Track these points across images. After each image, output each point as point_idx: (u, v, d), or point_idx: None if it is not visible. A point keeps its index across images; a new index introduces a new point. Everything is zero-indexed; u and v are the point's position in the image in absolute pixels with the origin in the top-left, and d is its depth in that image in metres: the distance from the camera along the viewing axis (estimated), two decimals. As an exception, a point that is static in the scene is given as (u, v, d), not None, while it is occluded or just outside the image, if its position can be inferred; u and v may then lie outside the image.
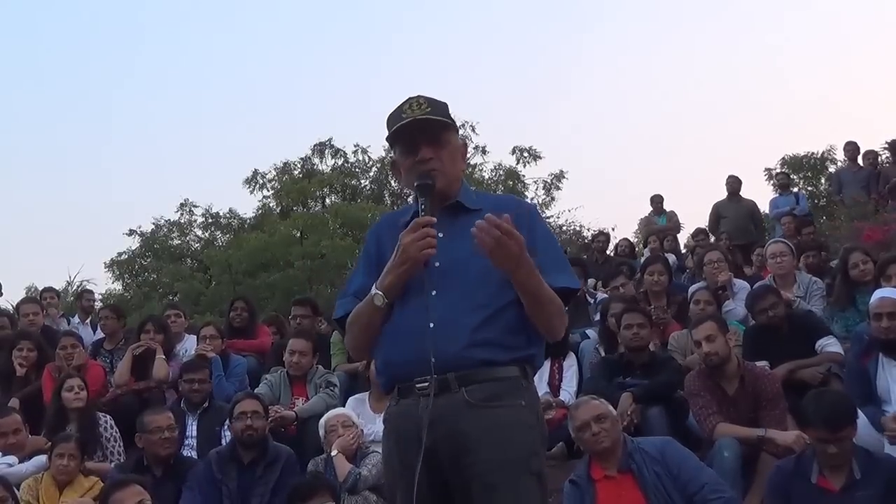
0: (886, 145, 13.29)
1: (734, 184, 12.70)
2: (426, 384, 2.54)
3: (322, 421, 5.47)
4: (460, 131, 2.92)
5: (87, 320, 10.04)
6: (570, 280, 2.69)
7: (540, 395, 5.87)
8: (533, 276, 2.53)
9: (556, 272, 2.63)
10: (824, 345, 5.77)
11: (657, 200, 13.73)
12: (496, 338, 2.57)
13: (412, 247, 2.56)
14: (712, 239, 12.08)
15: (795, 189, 16.78)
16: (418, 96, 2.74)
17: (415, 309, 2.61)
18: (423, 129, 2.70)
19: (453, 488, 2.55)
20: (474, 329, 2.56)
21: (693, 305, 6.69)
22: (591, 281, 8.90)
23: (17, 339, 7.13)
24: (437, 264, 2.61)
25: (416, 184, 2.67)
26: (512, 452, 2.50)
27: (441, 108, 2.74)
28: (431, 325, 2.56)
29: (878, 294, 5.29)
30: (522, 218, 2.63)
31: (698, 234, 12.71)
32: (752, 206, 12.80)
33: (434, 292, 2.60)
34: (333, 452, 5.15)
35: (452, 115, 2.80)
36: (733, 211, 12.45)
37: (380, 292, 2.62)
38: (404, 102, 2.73)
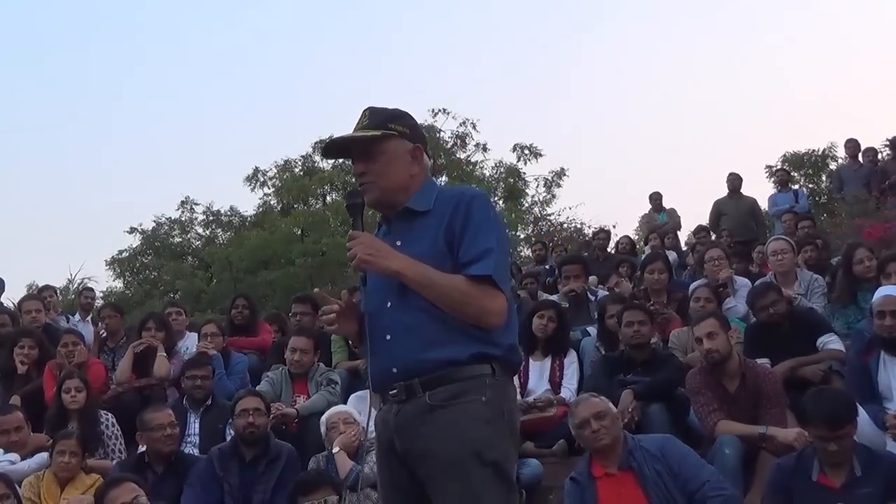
0: (887, 142, 13.28)
1: (735, 181, 12.70)
2: (395, 391, 2.66)
3: (323, 418, 5.47)
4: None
5: (88, 318, 10.04)
6: (477, 268, 2.60)
7: (541, 392, 6.00)
8: (411, 272, 2.60)
9: (470, 263, 2.62)
10: (825, 342, 5.75)
11: (656, 198, 13.76)
12: (451, 337, 2.61)
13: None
14: (713, 236, 12.09)
15: (796, 186, 16.77)
16: (367, 108, 2.81)
17: (374, 325, 2.72)
18: (349, 146, 2.81)
19: (424, 489, 2.61)
20: (426, 332, 2.62)
21: (693, 303, 6.68)
22: (592, 278, 8.88)
23: (18, 337, 7.12)
24: None
25: (345, 204, 2.92)
26: (462, 446, 2.53)
27: (382, 116, 2.77)
28: (388, 337, 2.67)
29: (881, 292, 5.29)
30: (460, 208, 2.68)
31: (699, 231, 12.71)
32: (752, 203, 12.81)
33: (389, 304, 2.69)
34: (335, 450, 5.15)
35: (407, 121, 2.82)
36: (734, 208, 12.45)
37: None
38: None
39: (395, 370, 2.64)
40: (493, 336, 2.64)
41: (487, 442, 2.56)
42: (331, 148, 2.90)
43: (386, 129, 2.75)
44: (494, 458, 2.56)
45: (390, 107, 2.84)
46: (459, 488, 2.51)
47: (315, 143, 23.51)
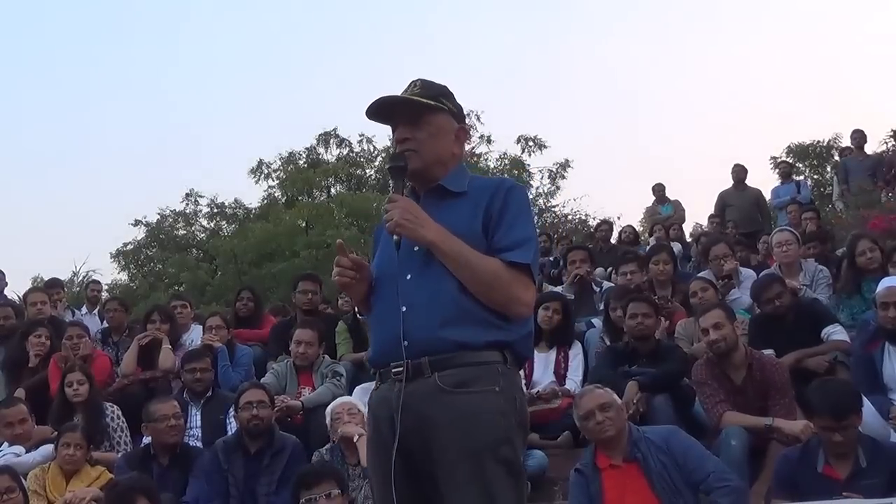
0: (893, 133, 13.24)
1: (740, 172, 12.69)
2: (400, 369, 2.55)
3: (328, 409, 5.47)
4: (465, 120, 2.87)
5: (95, 310, 10.05)
6: (517, 255, 2.56)
7: (545, 384, 5.99)
8: (446, 245, 2.54)
9: (508, 249, 2.57)
10: (830, 333, 5.75)
11: (659, 189, 13.72)
12: (469, 319, 2.54)
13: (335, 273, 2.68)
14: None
15: (799, 178, 16.73)
16: (417, 79, 2.74)
17: (388, 294, 2.65)
18: (399, 109, 2.70)
19: (423, 475, 2.53)
20: (445, 310, 2.54)
21: (691, 297, 6.63)
22: (598, 270, 8.87)
23: (32, 327, 7.12)
24: (415, 248, 2.61)
25: (387, 166, 2.76)
26: (477, 441, 2.45)
27: (434, 90, 2.72)
28: (404, 308, 2.58)
29: (885, 283, 5.28)
30: (498, 195, 2.64)
31: (713, 218, 12.69)
32: (757, 194, 12.82)
33: (409, 276, 2.61)
34: (356, 437, 5.11)
35: (454, 101, 2.77)
36: (739, 199, 12.46)
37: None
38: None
39: (406, 343, 2.54)
40: (511, 324, 2.58)
41: (502, 437, 2.49)
42: (376, 108, 2.70)
43: (439, 101, 2.69)
44: (509, 456, 2.49)
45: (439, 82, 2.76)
46: (473, 484, 2.44)
47: (319, 135, 23.53)
